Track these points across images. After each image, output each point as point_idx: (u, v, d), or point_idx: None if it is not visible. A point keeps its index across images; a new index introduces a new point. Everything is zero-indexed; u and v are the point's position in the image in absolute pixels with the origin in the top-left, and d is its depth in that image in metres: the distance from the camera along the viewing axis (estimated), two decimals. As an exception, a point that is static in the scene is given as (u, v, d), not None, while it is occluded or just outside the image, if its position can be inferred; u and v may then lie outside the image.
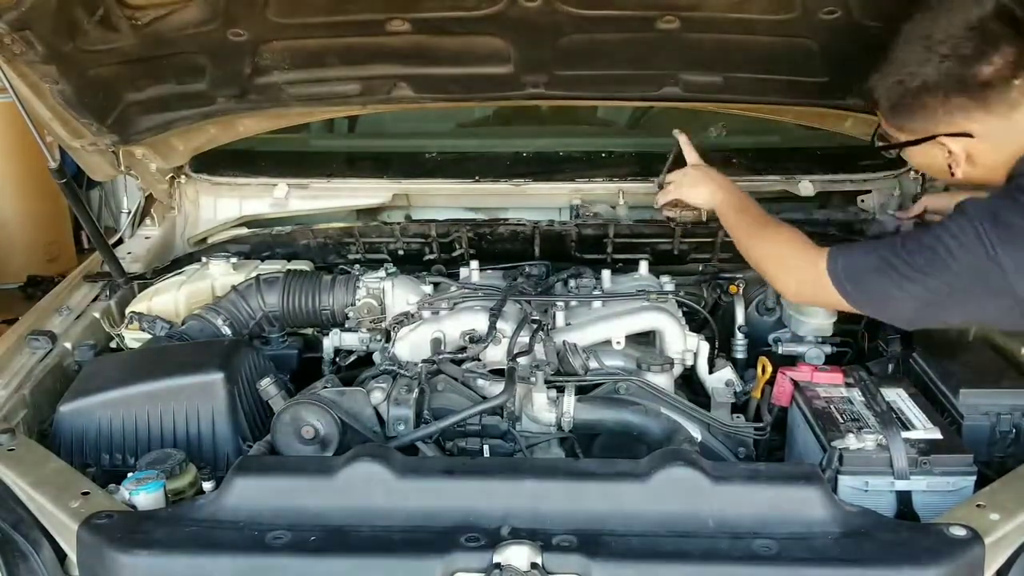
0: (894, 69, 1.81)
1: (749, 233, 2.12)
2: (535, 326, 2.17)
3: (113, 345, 2.38)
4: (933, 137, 1.82)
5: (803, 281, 1.95)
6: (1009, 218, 1.69)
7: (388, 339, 2.30)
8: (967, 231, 1.71)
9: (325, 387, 1.96)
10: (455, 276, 2.50)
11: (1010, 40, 1.70)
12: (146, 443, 1.90)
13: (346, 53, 2.29)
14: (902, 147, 1.92)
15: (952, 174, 1.85)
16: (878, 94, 1.87)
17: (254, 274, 2.47)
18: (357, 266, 2.54)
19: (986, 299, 1.74)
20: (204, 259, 2.60)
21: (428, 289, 2.42)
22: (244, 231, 2.85)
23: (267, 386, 1.90)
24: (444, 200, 2.88)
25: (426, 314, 2.29)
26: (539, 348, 2.11)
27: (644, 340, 2.27)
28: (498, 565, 1.44)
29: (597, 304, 2.30)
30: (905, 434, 1.73)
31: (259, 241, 2.74)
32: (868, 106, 1.96)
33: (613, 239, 2.58)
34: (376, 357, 2.30)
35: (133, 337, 2.35)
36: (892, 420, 1.77)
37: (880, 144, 1.98)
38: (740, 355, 2.35)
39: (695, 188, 2.28)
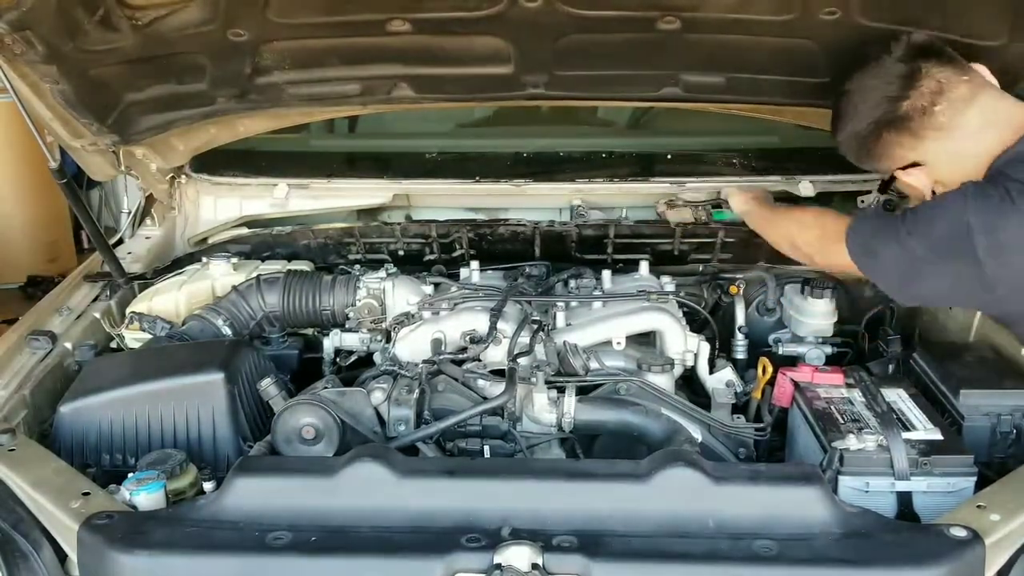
0: (840, 125, 2.03)
1: (776, 217, 2.32)
2: (535, 326, 2.17)
3: (113, 345, 2.38)
4: (893, 176, 2.04)
5: (827, 243, 2.06)
6: (989, 190, 1.79)
7: (388, 339, 2.30)
8: (954, 198, 1.82)
9: (325, 387, 1.96)
10: (455, 276, 2.50)
11: (929, 72, 1.89)
12: (146, 443, 1.90)
13: (346, 53, 2.29)
14: (885, 186, 2.21)
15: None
16: (842, 151, 2.08)
17: (254, 274, 2.47)
18: (357, 266, 2.55)
19: (955, 266, 1.82)
20: (204, 259, 2.60)
21: (428, 289, 2.42)
22: (244, 231, 2.85)
23: (267, 386, 1.90)
24: (444, 200, 2.88)
25: (426, 314, 2.29)
26: (539, 348, 2.11)
27: (644, 341, 2.27)
28: (499, 566, 1.44)
29: (597, 304, 2.30)
30: (906, 435, 1.73)
31: (259, 241, 2.74)
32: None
33: (613, 239, 2.58)
34: (376, 357, 2.30)
35: (133, 337, 2.35)
36: (893, 421, 1.77)
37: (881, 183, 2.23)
38: (740, 355, 2.36)
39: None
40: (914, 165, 1.97)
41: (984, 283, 1.78)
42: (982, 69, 1.94)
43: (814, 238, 2.15)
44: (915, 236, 1.84)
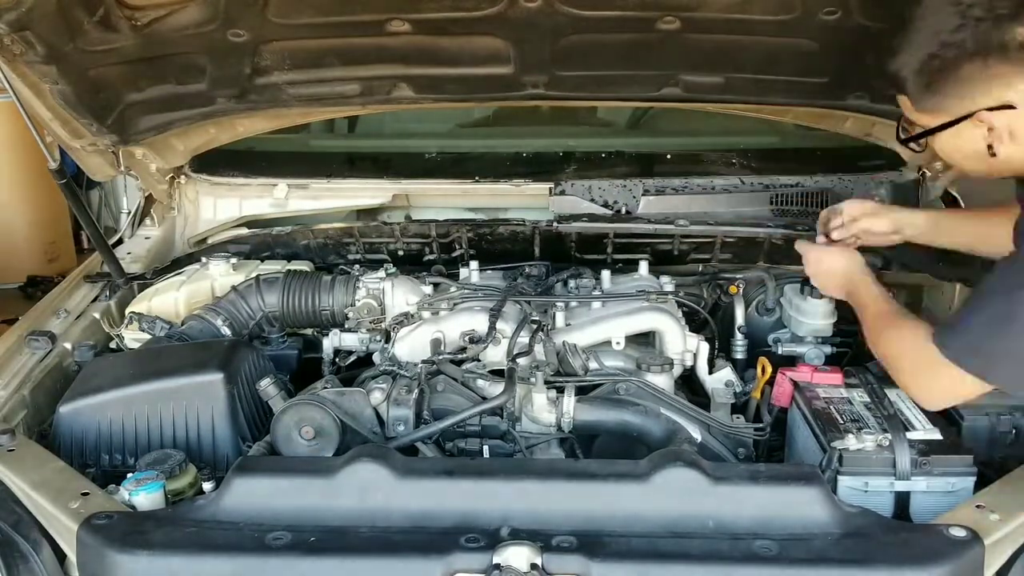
0: (924, 41, 1.62)
1: (873, 330, 1.94)
2: (535, 326, 2.17)
3: (113, 345, 2.38)
4: (972, 114, 1.63)
5: (919, 374, 1.80)
6: None
7: (388, 339, 2.30)
8: None
9: (325, 387, 1.96)
10: (455, 276, 2.50)
11: None
12: (146, 443, 1.90)
13: (346, 53, 2.29)
14: (933, 133, 1.71)
15: (993, 154, 1.65)
16: (906, 73, 1.66)
17: (254, 274, 2.47)
18: (357, 266, 2.54)
19: None
20: (204, 259, 2.60)
21: (428, 289, 2.42)
22: (244, 231, 2.85)
23: (267, 386, 1.90)
24: (444, 200, 2.88)
25: (426, 314, 2.29)
26: (539, 348, 2.11)
27: (644, 340, 2.27)
28: (498, 566, 1.44)
29: (597, 304, 2.30)
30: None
31: (259, 241, 2.74)
32: (891, 92, 1.77)
33: (613, 239, 2.58)
34: (376, 357, 2.30)
35: (133, 337, 2.35)
36: (899, 422, 1.76)
37: (905, 137, 1.78)
38: (740, 355, 2.35)
39: (828, 276, 2.15)
40: (1005, 107, 1.59)
41: None
42: None
43: (907, 369, 1.83)
44: None
